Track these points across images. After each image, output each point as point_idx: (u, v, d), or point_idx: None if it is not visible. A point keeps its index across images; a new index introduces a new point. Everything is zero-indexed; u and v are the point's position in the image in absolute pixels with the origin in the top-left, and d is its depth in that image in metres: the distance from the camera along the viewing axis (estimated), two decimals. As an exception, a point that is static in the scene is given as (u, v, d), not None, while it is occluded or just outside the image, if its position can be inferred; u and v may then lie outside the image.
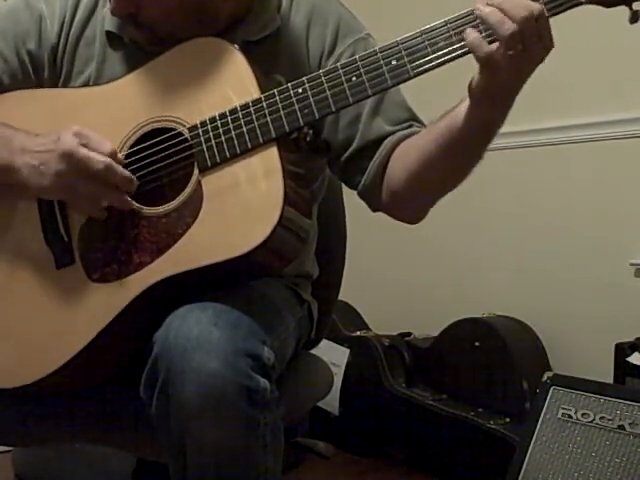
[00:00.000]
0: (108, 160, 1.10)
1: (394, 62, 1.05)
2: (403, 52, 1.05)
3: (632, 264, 2.24)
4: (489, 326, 2.33)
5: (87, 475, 2.10)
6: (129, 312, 1.10)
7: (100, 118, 1.19)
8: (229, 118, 1.10)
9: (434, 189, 1.20)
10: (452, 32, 1.03)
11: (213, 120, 1.11)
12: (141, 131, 1.16)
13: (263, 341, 1.04)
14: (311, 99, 1.08)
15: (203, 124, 1.12)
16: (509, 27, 0.97)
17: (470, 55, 1.01)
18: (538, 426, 1.86)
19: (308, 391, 1.46)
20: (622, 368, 2.03)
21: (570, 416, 1.83)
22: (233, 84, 1.13)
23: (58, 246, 1.17)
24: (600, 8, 1.02)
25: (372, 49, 1.07)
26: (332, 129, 1.24)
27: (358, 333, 2.60)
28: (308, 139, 1.19)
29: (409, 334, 2.65)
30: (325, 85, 1.08)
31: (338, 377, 2.50)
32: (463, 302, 2.58)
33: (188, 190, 1.11)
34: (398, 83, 1.07)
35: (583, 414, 1.81)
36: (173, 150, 1.14)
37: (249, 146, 1.09)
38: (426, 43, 1.04)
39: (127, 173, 1.12)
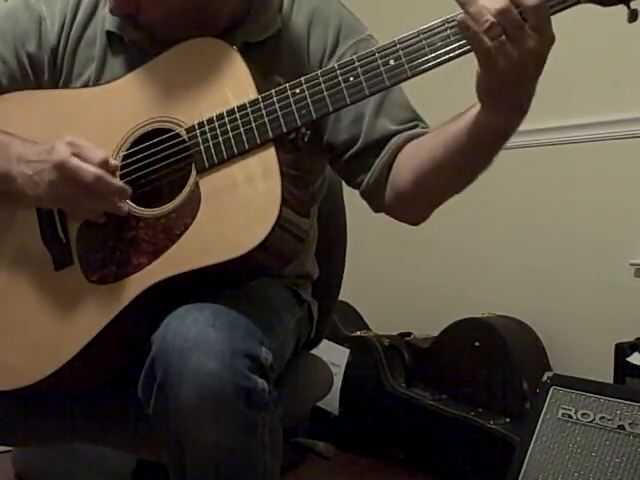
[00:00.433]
0: (98, 172, 1.09)
1: (392, 62, 1.05)
2: (401, 52, 1.04)
3: (632, 264, 2.24)
4: (489, 326, 2.33)
5: (87, 475, 2.10)
6: (127, 313, 1.10)
7: (99, 119, 1.19)
8: (226, 119, 1.10)
9: (440, 192, 1.18)
10: (450, 32, 1.02)
11: (210, 121, 1.11)
12: (139, 132, 1.16)
13: (261, 341, 1.04)
14: (308, 99, 1.08)
15: (201, 125, 1.12)
16: (487, 18, 0.95)
17: (470, 55, 1.01)
18: (538, 426, 1.86)
19: (308, 391, 1.46)
20: (622, 368, 2.02)
21: (570, 416, 1.83)
22: (231, 85, 1.13)
23: (56, 247, 1.17)
24: (599, 7, 1.01)
25: (370, 49, 1.07)
26: (334, 129, 1.23)
27: (358, 333, 2.60)
28: (306, 139, 1.19)
29: (409, 334, 2.65)
30: (322, 85, 1.08)
31: (338, 377, 2.50)
32: (463, 302, 2.58)
33: (186, 191, 1.11)
34: (396, 83, 1.07)
35: (583, 414, 1.81)
36: (171, 151, 1.14)
37: (246, 147, 1.09)
38: (424, 43, 1.03)
39: (119, 184, 1.12)
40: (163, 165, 1.14)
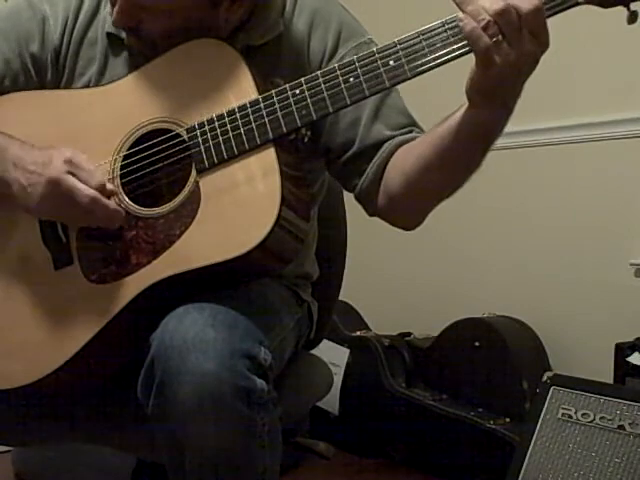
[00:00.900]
0: (94, 194, 1.09)
1: (392, 63, 1.05)
2: (401, 53, 1.05)
3: (632, 264, 2.24)
4: (489, 326, 2.33)
5: (87, 475, 2.10)
6: (127, 313, 1.10)
7: (100, 119, 1.19)
8: (227, 119, 1.10)
9: (430, 195, 1.18)
10: (449, 33, 1.02)
11: (211, 121, 1.11)
12: (140, 132, 1.16)
13: (260, 342, 1.04)
14: (309, 100, 1.08)
15: (201, 125, 1.12)
16: (484, 17, 0.96)
17: (469, 57, 1.01)
18: (538, 426, 1.86)
19: (308, 391, 1.46)
20: (622, 368, 2.02)
21: (570, 416, 1.83)
22: (231, 85, 1.13)
23: (56, 247, 1.17)
24: (599, 9, 1.02)
25: (370, 50, 1.07)
26: (331, 131, 1.23)
27: (358, 333, 2.60)
28: (306, 140, 1.19)
29: (409, 334, 2.65)
30: (323, 86, 1.08)
31: (338, 377, 2.50)
32: (463, 302, 2.58)
33: (186, 191, 1.11)
34: (396, 84, 1.07)
35: (583, 414, 1.81)
36: (171, 151, 1.14)
37: (247, 147, 1.09)
38: (424, 44, 1.03)
39: (113, 207, 1.11)
40: (163, 165, 1.15)
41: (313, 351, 1.54)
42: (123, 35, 1.23)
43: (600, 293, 2.30)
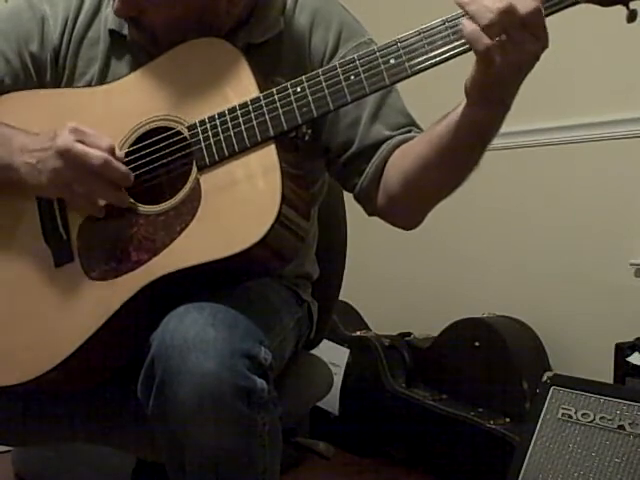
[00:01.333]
0: (106, 155, 1.10)
1: (392, 61, 1.06)
2: (401, 51, 1.05)
3: (632, 264, 2.24)
4: (489, 326, 2.33)
5: (87, 475, 2.10)
6: (127, 310, 1.10)
7: (101, 117, 1.19)
8: (228, 117, 1.11)
9: (430, 194, 1.19)
10: (450, 31, 1.03)
11: (212, 119, 1.11)
12: (141, 130, 1.16)
13: (260, 341, 1.04)
14: (309, 98, 1.08)
15: (202, 123, 1.12)
16: (487, 16, 0.95)
17: (470, 54, 1.01)
18: (538, 426, 1.86)
19: (308, 391, 1.46)
20: (622, 368, 2.02)
21: (570, 416, 1.83)
22: (232, 83, 1.13)
23: (57, 244, 1.17)
24: (599, 8, 1.02)
25: (371, 48, 1.07)
26: (332, 131, 1.24)
27: (358, 333, 2.60)
28: (307, 138, 1.20)
29: (409, 334, 2.65)
30: (324, 84, 1.08)
31: (338, 377, 2.50)
32: (463, 302, 2.58)
33: (186, 188, 1.11)
34: (396, 81, 1.07)
35: (583, 414, 1.81)
36: (172, 149, 1.14)
37: (247, 145, 1.09)
38: (424, 42, 1.04)
39: (124, 168, 1.12)
40: (164, 163, 1.15)
41: (313, 351, 1.54)
42: (125, 31, 1.23)
43: (600, 293, 2.30)
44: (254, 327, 1.05)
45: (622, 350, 2.04)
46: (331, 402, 2.52)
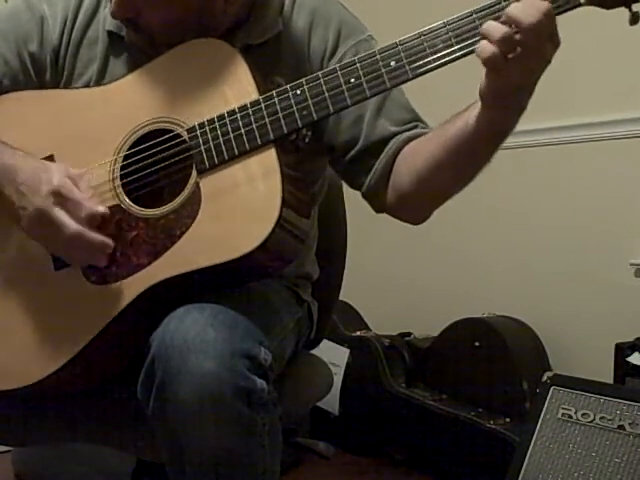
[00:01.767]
0: (80, 229, 1.09)
1: (393, 63, 1.05)
2: (402, 54, 1.05)
3: (632, 264, 2.24)
4: (489, 326, 2.33)
5: (87, 475, 2.10)
6: (127, 314, 1.10)
7: (100, 119, 1.19)
8: (227, 120, 1.10)
9: (441, 192, 1.19)
10: (451, 34, 1.02)
11: (211, 122, 1.11)
12: (140, 132, 1.16)
13: (260, 342, 1.04)
14: (309, 100, 1.08)
15: (201, 126, 1.11)
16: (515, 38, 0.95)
17: (472, 56, 1.01)
18: (538, 426, 1.86)
19: (308, 391, 1.46)
20: (622, 368, 2.02)
21: (570, 416, 1.83)
22: (232, 85, 1.13)
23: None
24: (601, 9, 1.02)
25: (371, 50, 1.07)
26: (334, 129, 1.23)
27: (358, 333, 2.60)
28: (307, 140, 1.19)
29: (409, 334, 2.65)
30: (324, 87, 1.08)
31: (338, 377, 2.50)
32: (463, 302, 2.58)
33: (186, 192, 1.11)
34: (397, 84, 1.07)
35: (583, 414, 1.81)
36: (172, 152, 1.14)
37: (247, 147, 1.09)
38: (425, 45, 1.03)
39: (99, 239, 1.10)
40: (164, 166, 1.14)
41: (313, 351, 1.54)
42: (123, 32, 1.23)
43: (600, 293, 2.30)
44: (254, 327, 1.05)
45: (622, 350, 2.04)
46: (331, 402, 2.52)
